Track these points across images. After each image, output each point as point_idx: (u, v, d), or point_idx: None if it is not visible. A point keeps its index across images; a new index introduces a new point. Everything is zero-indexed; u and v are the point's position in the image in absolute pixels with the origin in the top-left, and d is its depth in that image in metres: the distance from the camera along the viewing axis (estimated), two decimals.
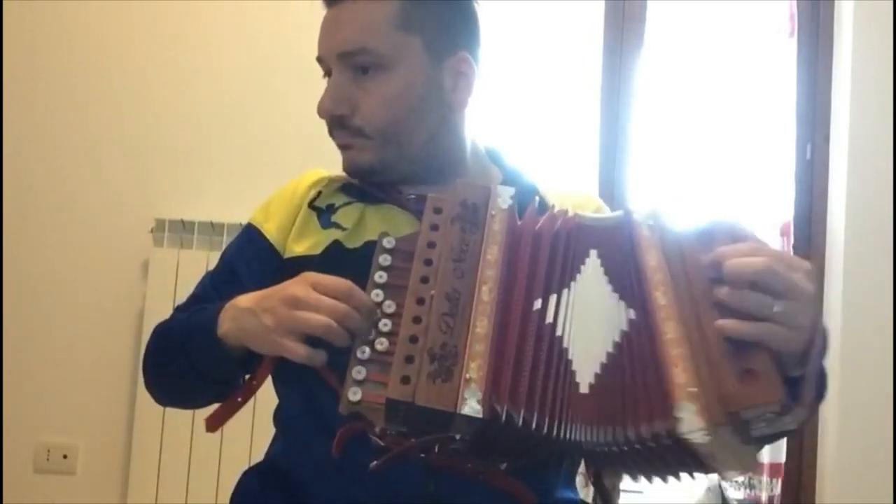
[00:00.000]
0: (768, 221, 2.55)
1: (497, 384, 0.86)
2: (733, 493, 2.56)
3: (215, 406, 1.09)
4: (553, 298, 0.91)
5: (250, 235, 1.22)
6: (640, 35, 2.68)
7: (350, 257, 1.12)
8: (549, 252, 0.94)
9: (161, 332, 1.18)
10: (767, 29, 2.65)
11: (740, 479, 2.54)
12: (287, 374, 1.08)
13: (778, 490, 2.46)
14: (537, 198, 1.05)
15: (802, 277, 0.86)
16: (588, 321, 0.91)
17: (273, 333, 0.97)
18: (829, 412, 2.42)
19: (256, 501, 1.13)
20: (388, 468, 0.92)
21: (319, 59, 1.18)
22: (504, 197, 0.97)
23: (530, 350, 0.89)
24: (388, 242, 0.98)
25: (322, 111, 1.16)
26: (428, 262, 0.94)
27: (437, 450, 0.91)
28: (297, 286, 0.98)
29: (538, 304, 0.91)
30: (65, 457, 2.52)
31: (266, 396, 1.13)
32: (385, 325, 0.93)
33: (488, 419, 0.85)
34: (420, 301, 0.91)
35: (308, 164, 1.29)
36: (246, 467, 1.18)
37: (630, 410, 0.86)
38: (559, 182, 1.32)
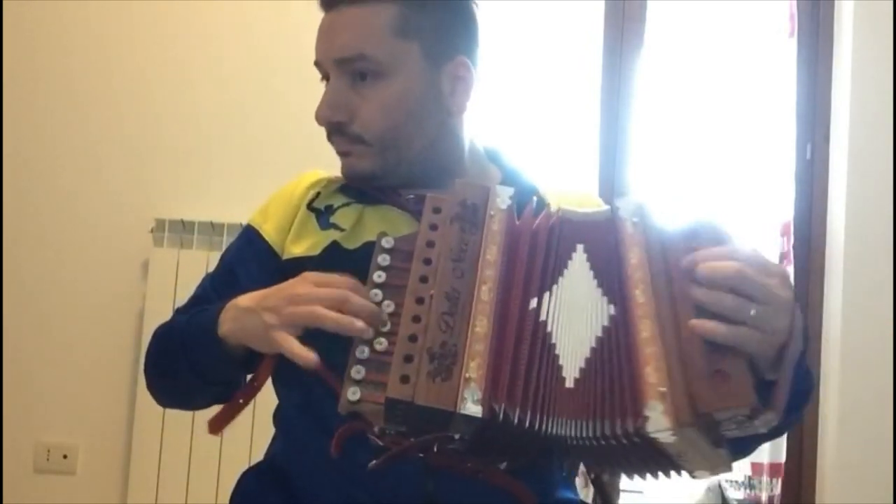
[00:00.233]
0: (768, 221, 2.55)
1: (496, 383, 0.86)
2: (733, 493, 2.56)
3: (216, 408, 1.09)
4: (546, 296, 0.92)
5: (249, 237, 1.22)
6: (640, 35, 2.67)
7: (349, 258, 1.12)
8: (544, 249, 0.94)
9: (161, 333, 1.18)
10: (767, 29, 2.65)
11: (740, 479, 2.54)
12: (287, 375, 1.08)
13: (778, 490, 2.46)
14: (535, 198, 1.05)
15: (777, 283, 0.87)
16: (574, 316, 0.91)
17: (274, 331, 0.97)
18: (829, 412, 2.41)
19: (256, 501, 1.13)
20: (386, 468, 0.92)
21: (317, 64, 1.18)
22: (503, 197, 0.97)
23: (526, 348, 0.89)
24: (386, 242, 0.98)
25: (320, 118, 1.16)
26: (427, 262, 0.94)
27: (435, 449, 0.91)
28: (299, 284, 0.98)
29: (534, 302, 0.91)
30: (65, 457, 2.51)
31: (266, 396, 1.13)
32: (384, 324, 0.93)
33: (487, 418, 0.85)
34: (419, 300, 0.91)
35: (308, 164, 1.29)
36: (246, 467, 1.18)
37: (607, 406, 0.86)
38: (559, 182, 1.31)
